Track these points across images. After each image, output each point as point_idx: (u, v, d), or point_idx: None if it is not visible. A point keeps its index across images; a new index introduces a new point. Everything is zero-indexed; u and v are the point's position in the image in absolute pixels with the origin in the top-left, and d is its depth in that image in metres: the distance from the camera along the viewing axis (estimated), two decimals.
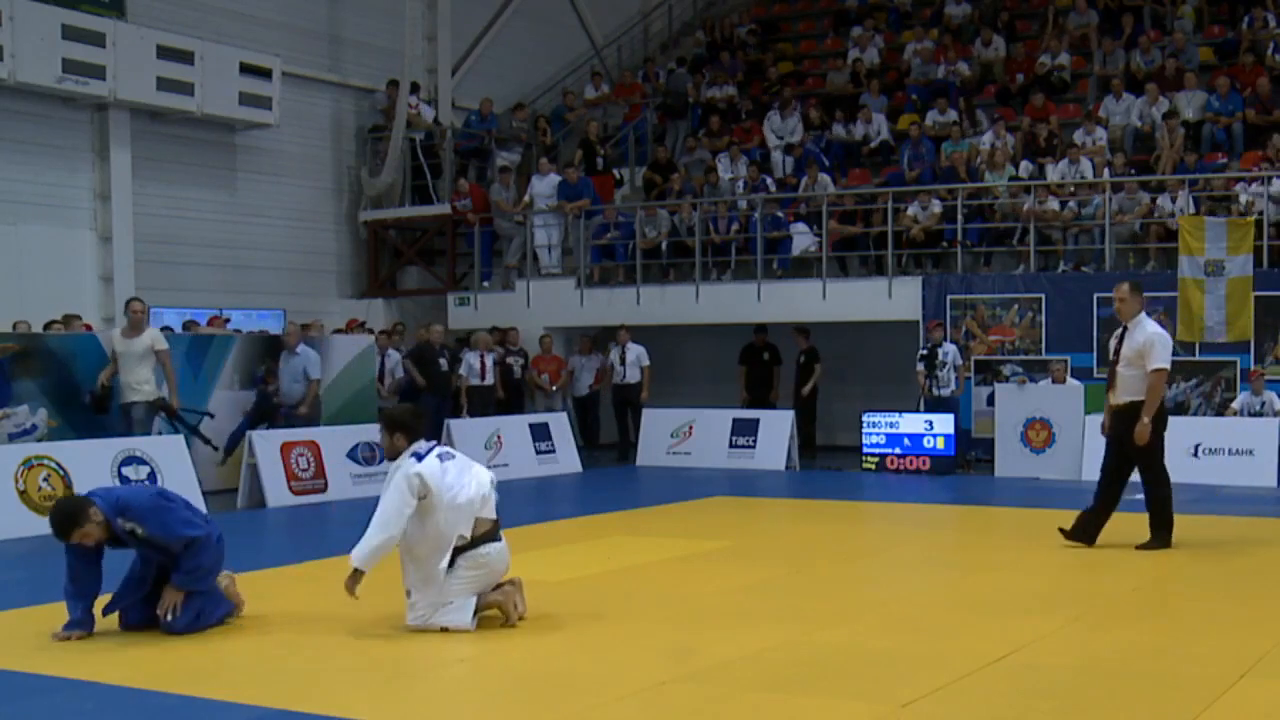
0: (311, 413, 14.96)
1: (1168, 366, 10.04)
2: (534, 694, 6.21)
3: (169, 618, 7.28)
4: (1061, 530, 10.36)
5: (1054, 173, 18.02)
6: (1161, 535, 10.24)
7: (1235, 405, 15.45)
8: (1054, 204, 17.57)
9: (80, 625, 7.31)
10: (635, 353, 18.55)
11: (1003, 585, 9.10)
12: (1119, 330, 10.29)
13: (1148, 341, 9.98)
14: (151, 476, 12.69)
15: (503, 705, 6.10)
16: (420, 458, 7.35)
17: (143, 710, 5.99)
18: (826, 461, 17.94)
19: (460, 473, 7.46)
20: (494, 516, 7.51)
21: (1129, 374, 10.04)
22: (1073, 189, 17.66)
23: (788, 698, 6.04)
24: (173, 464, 13.00)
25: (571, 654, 6.99)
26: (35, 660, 6.81)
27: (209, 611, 7.52)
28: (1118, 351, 10.10)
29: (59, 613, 8.14)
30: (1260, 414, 15.18)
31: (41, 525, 11.52)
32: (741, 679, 6.36)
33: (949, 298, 17.34)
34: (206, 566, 7.43)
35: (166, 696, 6.11)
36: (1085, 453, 15.40)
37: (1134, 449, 10.11)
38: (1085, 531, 10.31)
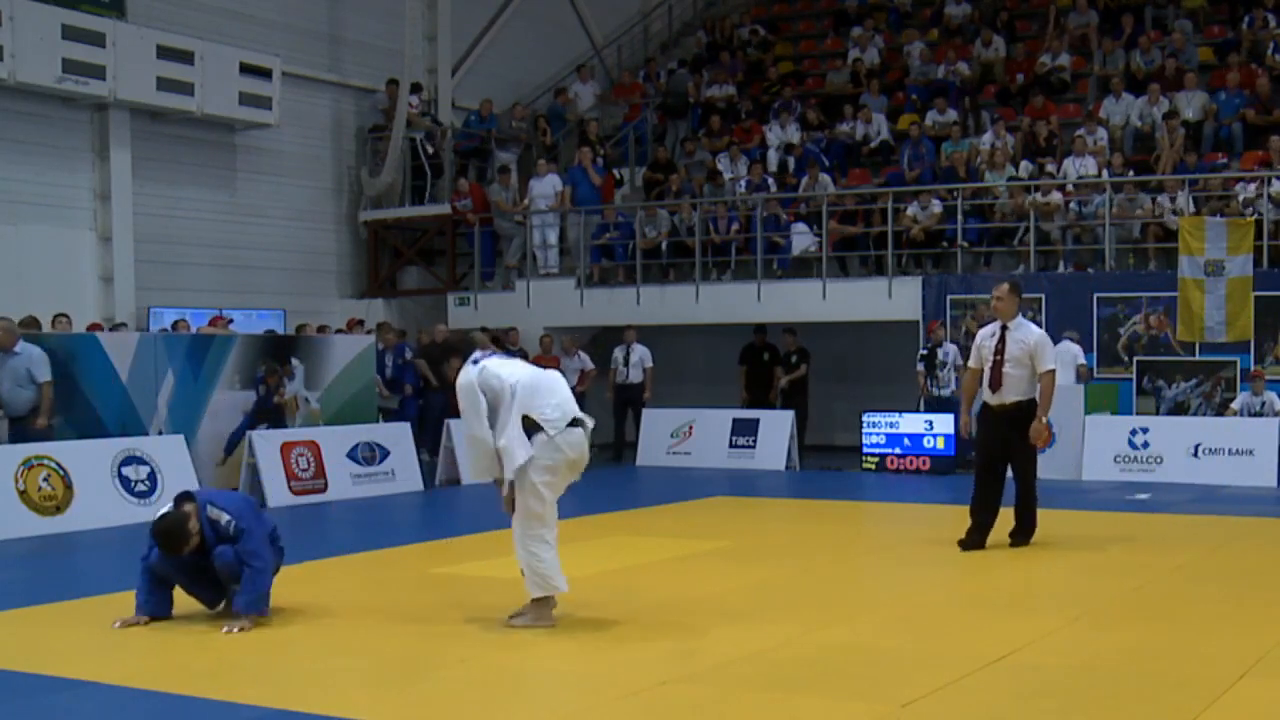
0: (49, 422, 12.42)
1: (1056, 367, 10.23)
2: (534, 694, 6.22)
3: (235, 630, 7.37)
4: (959, 543, 10.35)
5: (1060, 170, 18.00)
6: (1025, 536, 10.36)
7: (1235, 405, 15.46)
8: (1056, 197, 17.55)
9: (145, 610, 7.58)
10: (640, 353, 18.53)
11: (1003, 585, 9.10)
12: (991, 330, 10.31)
13: (1039, 343, 10.10)
14: (151, 476, 12.70)
15: (503, 705, 6.10)
16: (475, 363, 7.51)
17: (143, 710, 5.99)
18: (826, 461, 17.94)
19: (516, 366, 7.60)
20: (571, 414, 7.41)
21: (1017, 374, 10.08)
22: (1073, 188, 17.65)
23: (788, 698, 6.04)
24: (173, 464, 13.01)
25: (571, 654, 6.98)
26: (35, 660, 6.81)
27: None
28: (1000, 351, 10.10)
29: (59, 613, 8.16)
30: (1260, 414, 15.18)
31: (41, 525, 11.58)
32: (741, 679, 6.36)
33: (949, 298, 17.34)
34: (265, 592, 7.61)
35: (166, 697, 6.11)
36: (1085, 453, 15.43)
37: (1020, 448, 10.17)
38: (979, 538, 10.34)
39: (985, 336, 10.35)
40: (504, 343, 18.70)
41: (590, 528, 11.88)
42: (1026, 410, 10.11)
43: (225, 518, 7.53)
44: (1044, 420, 10.15)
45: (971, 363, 10.55)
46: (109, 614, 7.78)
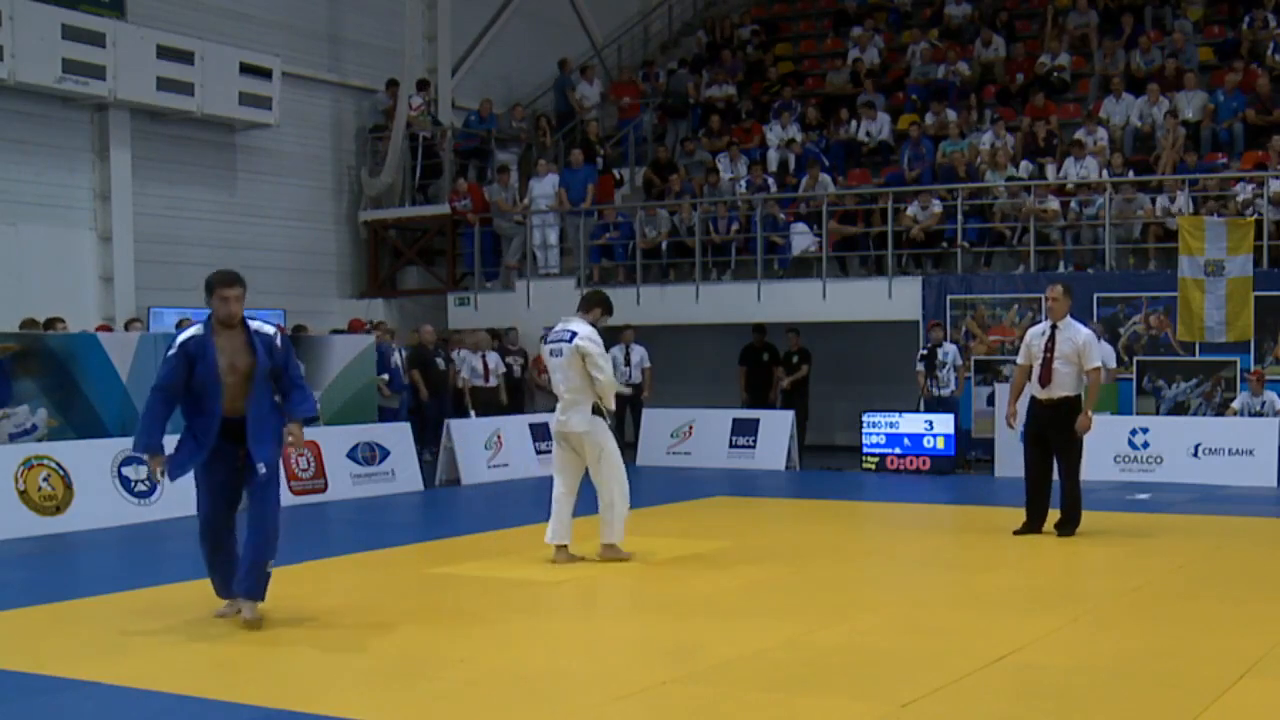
0: None
1: (1102, 365, 10.90)
2: (534, 694, 6.21)
3: (299, 454, 7.59)
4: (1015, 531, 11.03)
5: (1060, 171, 18.01)
6: (1069, 528, 10.90)
7: (1235, 405, 15.46)
8: (1054, 203, 17.56)
9: (153, 449, 7.49)
10: (639, 354, 18.51)
11: (1003, 585, 9.10)
12: (1042, 329, 10.94)
13: (1086, 341, 10.74)
14: (151, 477, 12.68)
15: (503, 705, 6.09)
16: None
17: (143, 710, 5.99)
18: (826, 461, 17.94)
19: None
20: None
21: (1065, 370, 10.71)
22: (1073, 188, 17.65)
23: (788, 698, 6.04)
24: None
25: (572, 654, 6.99)
26: (35, 660, 6.81)
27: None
28: (1050, 349, 10.70)
29: (59, 613, 8.15)
30: (1260, 414, 15.18)
31: (41, 525, 11.58)
32: (741, 679, 6.36)
33: (949, 298, 17.34)
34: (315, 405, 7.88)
35: (166, 697, 6.11)
36: (1085, 453, 15.37)
37: (1062, 441, 10.79)
38: (1034, 525, 11.01)
39: (1035, 335, 10.97)
40: (504, 341, 18.75)
41: (591, 528, 11.88)
42: (1072, 405, 10.71)
43: (270, 329, 7.59)
44: (1089, 415, 10.72)
45: (1020, 360, 11.13)
46: (109, 614, 7.79)
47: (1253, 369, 15.55)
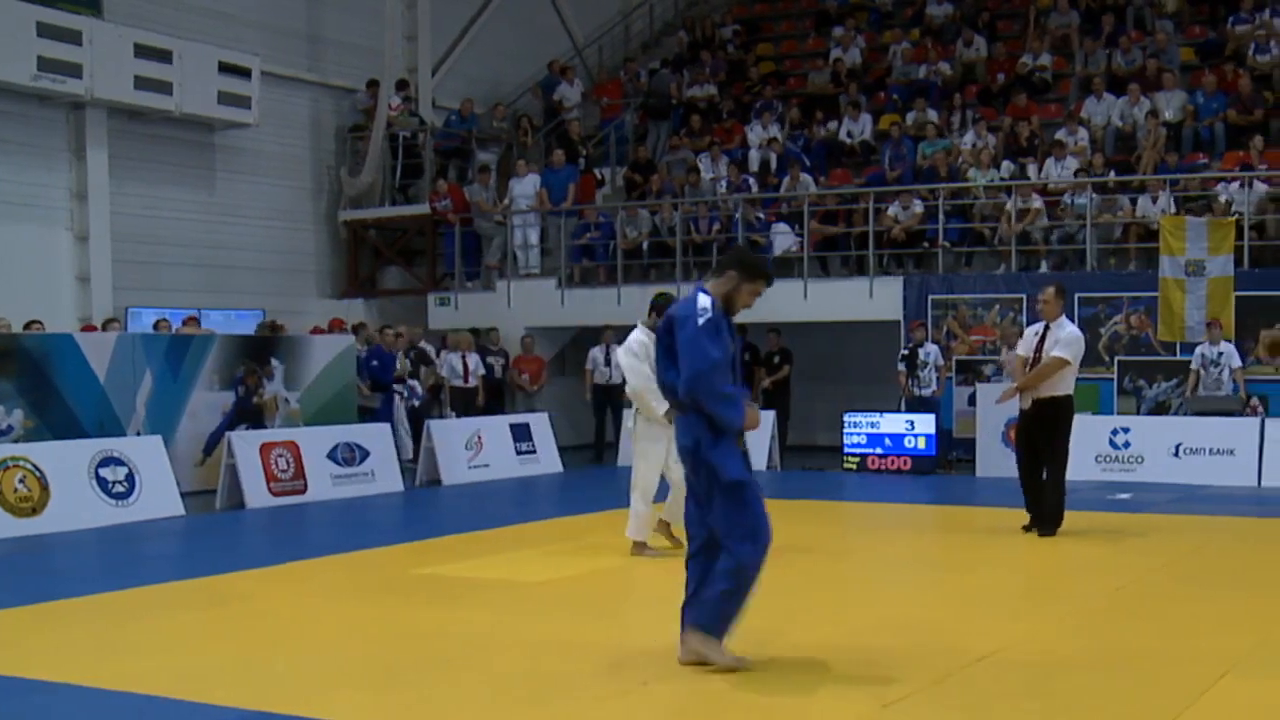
0: None
1: (1072, 361, 10.81)
2: (532, 693, 6.17)
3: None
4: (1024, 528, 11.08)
5: (1042, 172, 18.02)
6: (1050, 528, 10.88)
7: (1194, 364, 15.37)
8: (1037, 202, 17.55)
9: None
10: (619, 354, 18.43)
11: (986, 585, 9.10)
12: (1036, 328, 11.16)
13: (1065, 337, 10.87)
14: (129, 477, 12.61)
15: (501, 705, 6.05)
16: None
17: (122, 712, 5.94)
18: (808, 461, 17.93)
19: None
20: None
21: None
22: (1050, 187, 17.66)
23: (770, 697, 6.02)
24: (151, 465, 12.93)
25: (569, 654, 6.94)
26: (12, 663, 6.75)
27: None
28: (1039, 349, 10.88)
29: (36, 615, 8.06)
30: (1217, 364, 15.15)
31: (16, 526, 11.48)
32: (725, 678, 6.33)
33: (930, 298, 17.34)
34: None
35: (146, 699, 6.06)
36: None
37: (1049, 442, 10.88)
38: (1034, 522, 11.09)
39: (1031, 334, 11.19)
40: (484, 342, 18.70)
41: (580, 527, 11.85)
42: (1060, 404, 10.82)
43: None
44: (1014, 388, 10.96)
45: (1019, 350, 11.28)
46: (88, 616, 7.71)
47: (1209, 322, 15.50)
